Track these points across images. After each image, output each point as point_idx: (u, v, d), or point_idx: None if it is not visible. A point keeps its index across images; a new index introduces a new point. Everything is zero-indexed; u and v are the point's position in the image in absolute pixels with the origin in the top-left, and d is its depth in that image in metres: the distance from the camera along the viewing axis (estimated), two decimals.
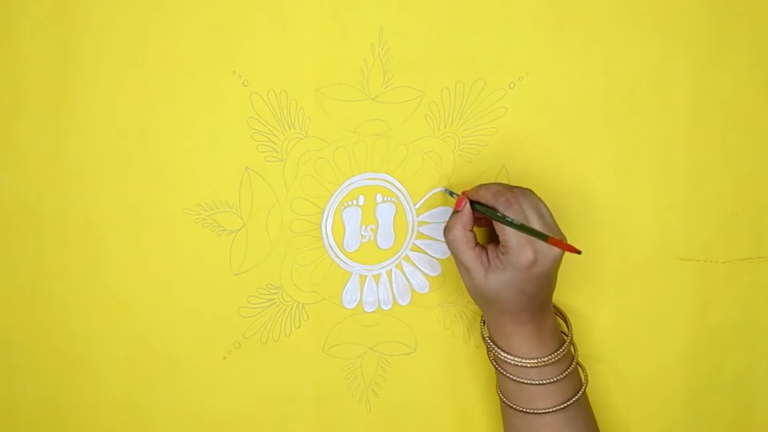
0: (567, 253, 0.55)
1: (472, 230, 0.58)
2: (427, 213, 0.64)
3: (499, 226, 0.56)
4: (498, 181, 0.64)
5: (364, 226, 0.64)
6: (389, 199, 0.64)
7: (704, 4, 0.64)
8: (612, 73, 0.64)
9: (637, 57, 0.64)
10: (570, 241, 0.64)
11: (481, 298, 0.58)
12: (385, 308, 0.64)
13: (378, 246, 0.64)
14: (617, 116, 0.64)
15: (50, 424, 0.64)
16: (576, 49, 0.64)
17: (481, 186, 0.59)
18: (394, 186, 0.64)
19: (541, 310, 0.58)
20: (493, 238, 0.60)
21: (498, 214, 0.56)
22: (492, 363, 0.60)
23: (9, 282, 0.63)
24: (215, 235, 0.63)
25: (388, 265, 0.64)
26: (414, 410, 0.65)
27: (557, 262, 0.56)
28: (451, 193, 0.62)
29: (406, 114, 0.63)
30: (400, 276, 0.65)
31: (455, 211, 0.59)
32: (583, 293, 0.64)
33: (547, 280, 0.57)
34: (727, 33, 0.64)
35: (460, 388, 0.65)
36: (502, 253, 0.56)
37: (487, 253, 0.57)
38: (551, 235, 0.56)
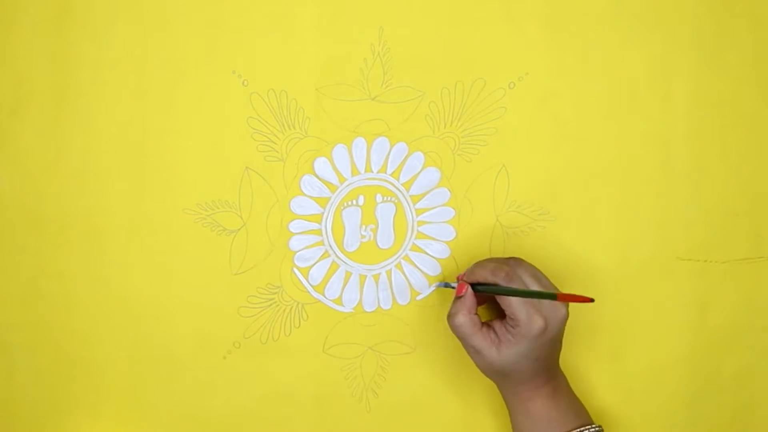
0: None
1: (476, 313, 0.59)
2: (427, 213, 0.64)
3: (504, 302, 0.57)
4: (497, 181, 0.64)
5: (364, 226, 0.64)
6: (389, 198, 0.64)
7: (704, 4, 0.64)
8: (612, 73, 0.64)
9: (637, 57, 0.64)
10: (569, 240, 0.64)
11: (495, 374, 0.59)
12: (385, 308, 0.64)
13: (378, 246, 0.64)
14: (617, 116, 0.64)
15: (50, 424, 0.64)
16: (576, 49, 0.64)
17: (476, 266, 0.59)
18: (394, 186, 0.64)
19: (553, 370, 0.59)
20: (496, 313, 0.61)
21: (500, 288, 0.56)
22: None
23: (9, 282, 0.63)
24: (215, 234, 0.63)
25: (388, 264, 0.64)
26: (414, 410, 0.65)
27: (565, 321, 0.57)
28: (446, 285, 0.62)
29: (406, 114, 0.63)
30: (399, 276, 0.65)
31: (457, 297, 0.59)
32: (583, 293, 0.64)
33: (557, 343, 0.58)
34: (727, 33, 0.64)
35: (460, 387, 0.65)
36: (512, 326, 0.56)
37: (494, 330, 0.58)
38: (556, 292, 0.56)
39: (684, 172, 0.65)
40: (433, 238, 0.65)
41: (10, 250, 0.63)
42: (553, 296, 0.54)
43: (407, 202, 0.64)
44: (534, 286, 0.57)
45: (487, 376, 0.60)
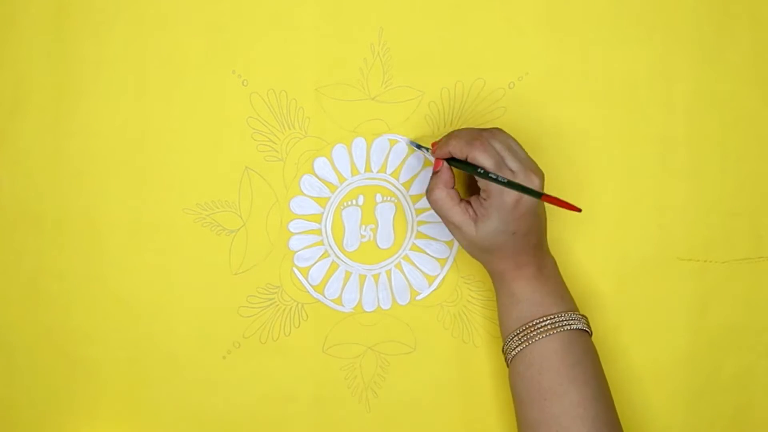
0: (565, 212, 0.54)
1: (453, 187, 0.58)
2: (427, 213, 0.64)
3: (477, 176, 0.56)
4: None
5: (363, 226, 0.64)
6: (389, 198, 0.64)
7: (704, 4, 0.64)
8: (612, 73, 0.64)
9: (637, 57, 0.64)
10: (569, 240, 0.64)
11: (477, 250, 0.58)
12: (385, 308, 0.64)
13: (378, 246, 0.64)
14: (617, 116, 0.64)
15: (50, 424, 0.64)
16: (576, 49, 0.64)
17: (451, 137, 0.57)
18: (394, 186, 0.64)
19: (537, 249, 0.58)
20: (474, 190, 0.60)
21: (479, 170, 0.55)
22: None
23: (9, 282, 0.63)
24: (215, 234, 0.63)
25: (387, 264, 0.64)
26: (413, 410, 0.65)
27: (540, 189, 0.56)
28: (419, 146, 0.61)
29: (406, 114, 0.63)
30: (399, 276, 0.65)
31: (434, 172, 0.58)
32: (583, 293, 0.64)
33: (536, 217, 0.57)
34: (727, 33, 0.64)
35: (460, 387, 0.65)
36: (485, 199, 0.56)
37: (471, 206, 0.57)
38: (531, 186, 0.55)
39: (684, 172, 0.65)
40: (433, 238, 0.65)
41: (9, 250, 0.63)
42: (537, 195, 0.53)
43: (407, 202, 0.64)
44: (509, 159, 0.55)
45: (473, 256, 0.59)
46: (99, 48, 0.62)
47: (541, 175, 0.56)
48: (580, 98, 0.64)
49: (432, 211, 0.64)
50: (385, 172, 0.64)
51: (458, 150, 0.56)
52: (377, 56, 0.63)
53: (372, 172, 0.64)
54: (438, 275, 0.65)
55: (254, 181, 0.63)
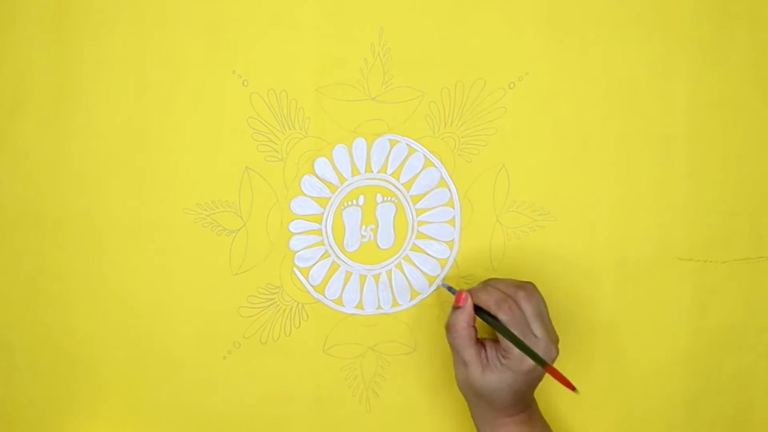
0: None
1: (474, 326, 0.58)
2: (427, 213, 0.64)
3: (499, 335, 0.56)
4: (497, 181, 0.64)
5: (364, 226, 0.64)
6: (389, 198, 0.64)
7: (704, 4, 0.64)
8: (612, 72, 0.64)
9: (637, 57, 0.64)
10: (569, 240, 0.64)
11: (472, 392, 0.58)
12: (385, 308, 0.64)
13: (378, 246, 0.64)
14: (617, 116, 0.64)
15: (50, 424, 0.64)
16: (576, 49, 0.64)
17: (484, 289, 0.58)
18: (394, 186, 0.64)
19: (529, 399, 0.59)
20: (490, 331, 0.60)
21: (501, 326, 0.56)
22: None
23: (9, 281, 0.63)
24: (215, 234, 0.63)
25: (388, 264, 0.64)
26: (414, 410, 0.65)
27: (553, 363, 0.56)
28: (450, 288, 0.61)
29: (406, 114, 0.63)
30: (399, 276, 0.65)
31: (456, 307, 0.58)
32: (583, 293, 0.64)
33: (538, 381, 0.58)
34: (727, 33, 0.64)
35: None
36: (503, 356, 0.56)
37: (485, 350, 0.58)
38: (550, 355, 0.56)
39: (684, 172, 0.65)
40: (433, 238, 0.65)
41: (10, 250, 0.63)
42: (542, 363, 0.54)
43: (407, 202, 0.64)
44: (536, 325, 0.56)
45: (463, 392, 0.60)
46: (99, 48, 0.62)
47: (557, 345, 0.57)
48: (580, 98, 0.64)
49: (433, 212, 0.64)
50: (386, 172, 0.64)
51: (486, 305, 0.57)
52: (377, 56, 0.63)
53: (372, 172, 0.64)
54: (438, 275, 0.65)
55: (254, 181, 0.63)
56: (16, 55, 0.62)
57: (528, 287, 0.57)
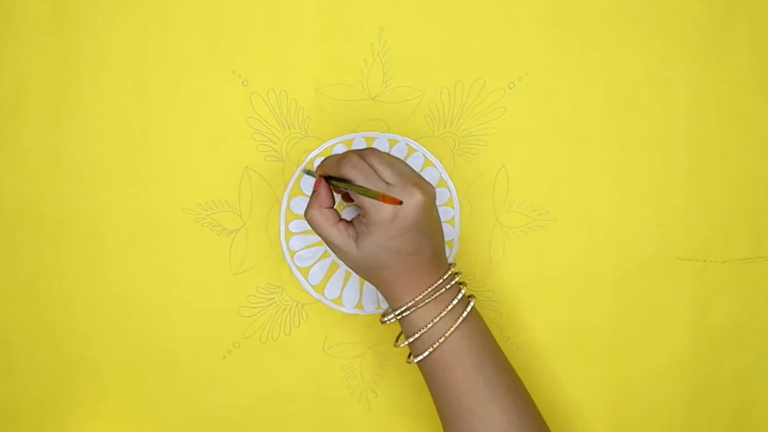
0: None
1: (331, 207, 0.55)
2: None
3: (352, 192, 0.53)
4: (497, 181, 0.64)
5: None
6: None
7: (704, 4, 0.64)
8: (611, 73, 0.64)
9: (637, 57, 0.64)
10: (569, 240, 0.64)
11: (363, 270, 0.55)
12: (385, 308, 0.64)
13: None
14: (617, 116, 0.64)
15: (50, 424, 0.64)
16: (576, 49, 0.64)
17: (327, 158, 0.55)
18: None
19: (431, 268, 0.54)
20: None
21: (349, 183, 0.52)
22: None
23: (9, 281, 0.63)
24: (215, 234, 0.63)
25: None
26: (413, 410, 0.65)
27: (423, 209, 0.52)
28: (308, 172, 0.58)
29: (405, 114, 0.63)
30: None
31: (312, 192, 0.55)
32: (583, 293, 0.64)
33: (422, 233, 0.53)
34: (727, 33, 0.64)
35: None
36: (363, 216, 0.53)
37: (351, 226, 0.54)
38: (414, 198, 0.52)
39: (684, 172, 0.65)
40: None
41: (10, 250, 0.63)
42: (374, 194, 0.49)
43: None
44: (387, 173, 0.52)
45: (362, 277, 0.56)
46: (99, 48, 0.62)
47: (427, 190, 0.53)
48: (580, 98, 0.64)
49: None
50: None
51: (330, 168, 0.54)
52: (377, 56, 0.63)
53: None
54: None
55: (254, 181, 0.63)
56: (16, 55, 0.62)
57: (371, 147, 0.54)
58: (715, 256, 0.65)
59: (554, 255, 0.64)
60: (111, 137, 0.62)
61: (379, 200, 0.49)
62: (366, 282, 0.64)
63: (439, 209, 0.64)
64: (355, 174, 0.52)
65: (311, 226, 0.55)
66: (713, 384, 0.66)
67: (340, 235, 0.54)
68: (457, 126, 0.64)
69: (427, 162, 0.64)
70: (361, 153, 0.53)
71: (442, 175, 0.64)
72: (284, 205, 0.63)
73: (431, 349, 0.54)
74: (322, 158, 0.57)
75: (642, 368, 0.65)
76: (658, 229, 0.65)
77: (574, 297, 0.65)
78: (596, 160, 0.64)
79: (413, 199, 0.52)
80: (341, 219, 0.55)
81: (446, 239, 0.65)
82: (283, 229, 0.64)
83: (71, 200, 0.63)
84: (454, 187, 0.64)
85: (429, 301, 0.54)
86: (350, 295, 0.64)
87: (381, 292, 0.56)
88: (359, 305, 0.64)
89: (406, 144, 0.64)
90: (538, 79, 0.64)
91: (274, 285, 0.64)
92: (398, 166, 0.53)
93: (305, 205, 0.63)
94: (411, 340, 0.55)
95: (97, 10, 0.62)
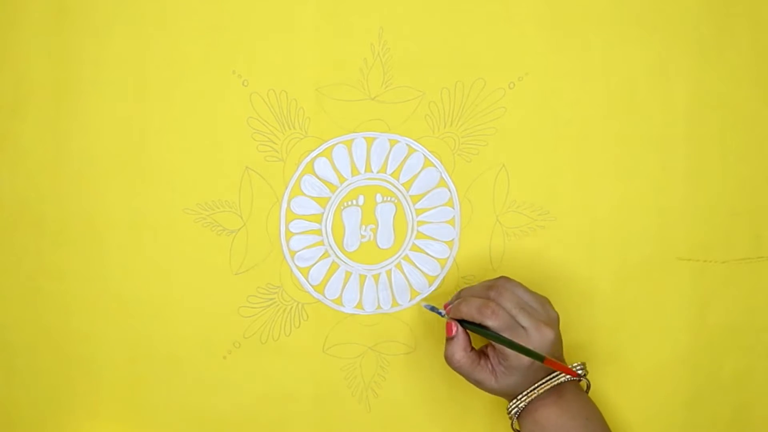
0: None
1: (471, 349, 0.58)
2: (427, 213, 0.64)
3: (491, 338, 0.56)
4: (497, 181, 0.64)
5: (364, 226, 0.64)
6: (389, 198, 0.64)
7: (704, 4, 0.64)
8: (612, 73, 0.64)
9: (637, 57, 0.64)
10: (569, 240, 0.64)
11: (501, 395, 0.59)
12: (385, 308, 0.64)
13: (378, 246, 0.64)
14: (617, 116, 0.64)
15: (50, 424, 0.64)
16: (576, 49, 0.64)
17: (461, 302, 0.58)
18: (394, 186, 0.64)
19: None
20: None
21: (490, 333, 0.56)
22: None
23: (9, 281, 0.63)
24: (215, 234, 0.63)
25: (387, 264, 0.64)
26: (413, 410, 0.65)
27: (555, 341, 0.56)
28: (433, 309, 0.61)
29: (406, 114, 0.63)
30: (399, 276, 0.65)
31: (449, 338, 0.59)
32: (583, 293, 0.64)
33: (554, 356, 0.57)
34: (727, 33, 0.64)
35: (460, 387, 0.65)
36: (503, 360, 0.57)
37: (489, 360, 0.58)
38: (545, 340, 0.56)
39: (684, 172, 0.65)
40: (433, 238, 0.65)
41: (10, 250, 0.63)
42: (540, 358, 0.54)
43: (407, 202, 0.64)
44: (520, 317, 0.56)
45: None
46: (99, 48, 0.62)
47: (554, 324, 0.57)
48: (580, 98, 0.64)
49: (433, 212, 0.64)
50: (386, 173, 0.64)
51: (470, 316, 0.57)
52: (377, 56, 0.63)
53: (372, 172, 0.64)
54: (438, 275, 0.65)
55: (254, 181, 0.63)
56: (16, 55, 0.62)
57: (498, 284, 0.58)
58: (715, 256, 0.65)
59: (554, 255, 0.64)
60: (111, 137, 0.62)
61: (547, 365, 0.54)
62: (366, 282, 0.64)
63: (439, 209, 0.64)
64: (499, 325, 0.56)
65: (456, 370, 0.59)
66: (713, 384, 0.66)
67: (483, 371, 0.58)
68: (457, 126, 0.64)
69: (427, 162, 0.64)
70: (495, 298, 0.57)
71: (442, 175, 0.64)
72: (284, 205, 0.63)
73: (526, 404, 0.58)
74: (457, 300, 0.59)
75: (642, 368, 0.65)
76: (658, 229, 0.65)
77: (574, 297, 0.65)
78: (596, 160, 0.64)
79: (546, 339, 0.56)
80: (479, 354, 0.59)
81: (446, 239, 0.65)
82: (283, 229, 0.63)
83: (71, 200, 0.62)
84: (454, 187, 0.64)
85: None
86: (350, 295, 0.64)
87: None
88: (359, 305, 0.64)
89: (406, 144, 0.64)
90: (538, 79, 0.64)
91: (274, 285, 0.64)
92: (527, 302, 0.57)
93: (302, 201, 0.63)
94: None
95: (97, 10, 0.62)
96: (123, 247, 0.63)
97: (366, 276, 0.64)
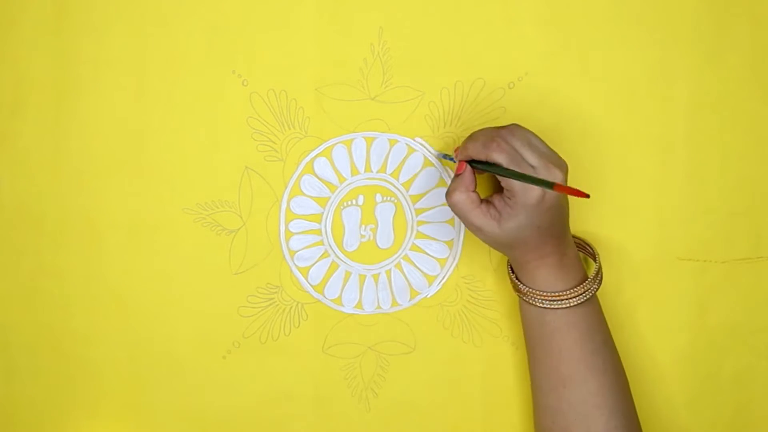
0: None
1: (474, 190, 0.58)
2: (427, 213, 0.64)
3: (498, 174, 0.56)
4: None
5: (363, 226, 0.64)
6: (389, 198, 0.64)
7: (704, 4, 0.64)
8: (611, 73, 0.64)
9: (637, 57, 0.64)
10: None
11: (501, 246, 0.58)
12: (385, 308, 0.64)
13: (377, 245, 0.64)
14: (617, 116, 0.64)
15: (49, 424, 0.64)
16: (575, 49, 0.64)
17: (468, 140, 0.58)
18: (394, 186, 0.64)
19: (561, 240, 0.58)
20: (496, 186, 0.61)
21: (497, 167, 0.55)
22: (518, 295, 0.60)
23: (9, 282, 0.63)
24: (215, 234, 0.63)
25: (387, 264, 0.64)
26: (413, 410, 0.65)
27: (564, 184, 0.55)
28: (445, 156, 0.61)
29: (405, 114, 0.63)
30: (399, 275, 0.65)
31: (456, 175, 0.58)
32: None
33: (559, 210, 0.57)
34: (727, 33, 0.64)
35: (460, 387, 0.65)
36: (509, 197, 0.55)
37: (494, 205, 0.57)
38: (554, 180, 0.54)
39: (684, 172, 0.65)
40: (433, 238, 0.65)
41: (9, 250, 0.63)
42: (549, 185, 0.52)
43: (407, 202, 0.64)
44: (528, 154, 0.55)
45: (496, 249, 0.59)
46: (99, 48, 0.62)
47: (563, 168, 0.56)
48: (580, 98, 0.64)
49: (432, 211, 0.64)
50: (385, 172, 0.64)
51: (476, 152, 0.56)
52: (377, 56, 0.63)
53: (372, 172, 0.64)
54: (438, 275, 0.65)
55: (254, 181, 0.63)
56: (16, 55, 0.62)
57: (509, 126, 0.57)
58: (715, 256, 0.65)
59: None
60: (111, 137, 0.62)
61: (557, 191, 0.51)
62: (366, 282, 0.64)
63: (439, 209, 0.64)
64: (504, 158, 0.55)
65: (453, 209, 0.58)
66: (713, 384, 0.66)
67: (484, 216, 0.56)
68: (457, 126, 0.64)
69: (427, 162, 0.64)
70: (503, 135, 0.56)
71: (442, 175, 0.64)
72: (284, 205, 0.63)
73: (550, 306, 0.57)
74: (465, 141, 0.59)
75: (642, 368, 0.65)
76: (658, 229, 0.65)
77: None
78: (596, 160, 0.64)
79: (555, 178, 0.55)
80: (482, 200, 0.57)
81: (446, 239, 0.65)
82: (283, 229, 0.64)
83: (71, 200, 0.62)
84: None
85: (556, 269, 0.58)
86: (350, 294, 0.64)
87: (510, 258, 0.59)
88: (359, 305, 0.64)
89: (406, 144, 0.64)
90: (538, 79, 0.64)
91: (274, 285, 0.64)
92: (537, 145, 0.56)
93: (301, 201, 0.63)
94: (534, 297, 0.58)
95: (97, 10, 0.62)
96: (122, 247, 0.63)
97: (366, 276, 0.64)
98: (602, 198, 0.64)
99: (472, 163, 0.57)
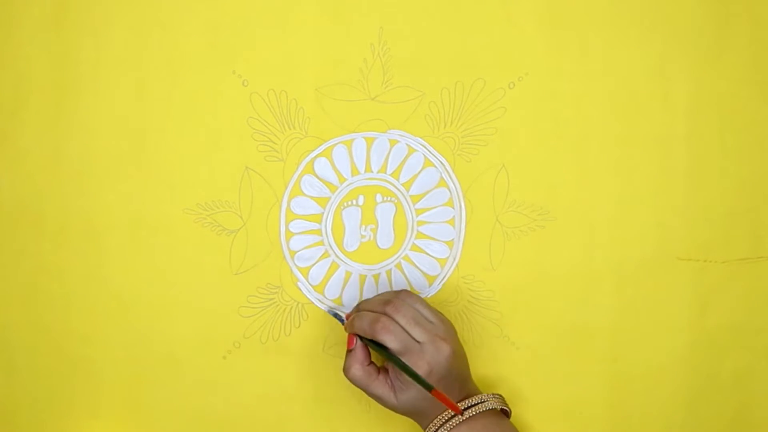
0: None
1: (370, 363, 0.58)
2: (427, 213, 0.64)
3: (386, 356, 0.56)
4: (497, 181, 0.64)
5: (363, 226, 0.64)
6: (389, 198, 0.64)
7: (704, 4, 0.64)
8: (611, 73, 0.64)
9: (637, 57, 0.64)
10: (569, 240, 0.64)
11: (404, 413, 0.58)
12: None
13: (378, 246, 0.64)
14: (617, 116, 0.64)
15: (50, 424, 0.64)
16: (576, 49, 0.64)
17: (355, 317, 0.58)
18: (394, 186, 0.64)
19: (463, 392, 0.58)
20: None
21: (384, 350, 0.56)
22: None
23: (9, 281, 0.63)
24: (215, 234, 0.63)
25: (387, 264, 0.64)
26: None
27: (451, 358, 0.55)
28: (336, 315, 0.62)
29: (405, 114, 0.63)
30: (399, 276, 0.65)
31: (348, 350, 0.58)
32: (583, 293, 0.64)
33: (452, 373, 0.56)
34: (727, 33, 0.64)
35: None
36: (399, 374, 0.56)
37: (389, 375, 0.57)
38: (441, 354, 0.55)
39: (684, 172, 0.65)
40: (433, 238, 0.65)
41: (10, 250, 0.63)
42: (429, 387, 0.52)
43: (407, 202, 0.64)
44: (416, 332, 0.55)
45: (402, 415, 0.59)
46: (99, 48, 0.62)
47: (450, 338, 0.56)
48: (580, 98, 0.64)
49: (432, 211, 0.64)
50: (386, 172, 0.64)
51: (362, 330, 0.57)
52: (377, 56, 0.63)
53: (372, 172, 0.64)
54: (438, 275, 0.65)
55: (254, 181, 0.63)
56: (16, 55, 0.62)
57: (395, 298, 0.57)
58: (715, 256, 0.65)
59: (554, 255, 0.64)
60: (111, 137, 0.62)
61: (434, 396, 0.52)
62: (366, 282, 0.64)
63: (439, 209, 0.64)
64: (390, 340, 0.55)
65: (354, 383, 0.58)
66: (713, 384, 0.66)
67: (382, 388, 0.57)
68: (457, 126, 0.64)
69: (427, 162, 0.64)
70: (389, 311, 0.56)
71: (442, 175, 0.64)
72: (284, 205, 0.63)
73: None
74: (355, 311, 0.59)
75: (642, 368, 0.65)
76: (658, 229, 0.65)
77: (574, 297, 0.65)
78: (596, 160, 0.64)
79: (443, 354, 0.55)
80: (379, 369, 0.58)
81: (446, 239, 0.65)
82: (283, 229, 0.64)
83: (71, 200, 0.62)
84: (454, 187, 0.64)
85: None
86: (350, 294, 0.64)
87: (422, 425, 0.58)
88: None
89: (406, 144, 0.64)
90: (538, 79, 0.64)
91: (274, 285, 0.64)
92: (423, 318, 0.57)
93: (302, 201, 0.63)
94: None
95: (97, 10, 0.62)
96: (123, 247, 0.63)
97: (366, 276, 0.64)
98: (602, 198, 0.64)
99: (365, 340, 0.57)
